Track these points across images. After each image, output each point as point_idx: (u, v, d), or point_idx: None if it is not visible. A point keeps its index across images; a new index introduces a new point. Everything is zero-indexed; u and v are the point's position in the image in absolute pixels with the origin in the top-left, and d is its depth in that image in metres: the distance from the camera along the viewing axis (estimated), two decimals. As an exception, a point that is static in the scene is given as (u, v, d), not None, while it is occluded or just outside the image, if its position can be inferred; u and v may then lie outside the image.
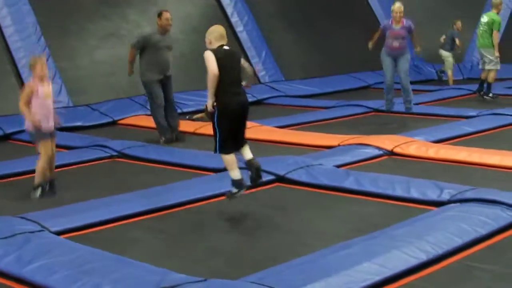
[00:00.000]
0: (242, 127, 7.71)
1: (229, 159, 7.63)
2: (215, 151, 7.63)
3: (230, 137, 7.56)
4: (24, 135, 12.43)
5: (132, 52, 12.02)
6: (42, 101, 8.58)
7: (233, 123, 7.56)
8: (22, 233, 6.59)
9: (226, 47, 7.69)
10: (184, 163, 10.03)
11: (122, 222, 7.45)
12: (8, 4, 14.83)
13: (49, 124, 8.69)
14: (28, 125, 8.73)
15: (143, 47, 11.93)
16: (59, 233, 6.88)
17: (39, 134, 8.68)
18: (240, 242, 6.92)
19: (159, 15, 12.09)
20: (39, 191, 8.65)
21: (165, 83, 12.02)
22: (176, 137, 11.97)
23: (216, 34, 7.75)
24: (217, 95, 7.42)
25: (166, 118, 11.95)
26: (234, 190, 7.67)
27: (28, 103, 8.53)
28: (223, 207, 7.98)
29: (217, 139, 7.54)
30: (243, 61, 7.87)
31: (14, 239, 6.45)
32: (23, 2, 15.08)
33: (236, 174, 7.61)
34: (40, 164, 8.72)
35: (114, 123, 14.15)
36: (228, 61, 7.54)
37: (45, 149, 8.73)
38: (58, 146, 11.48)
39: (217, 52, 7.52)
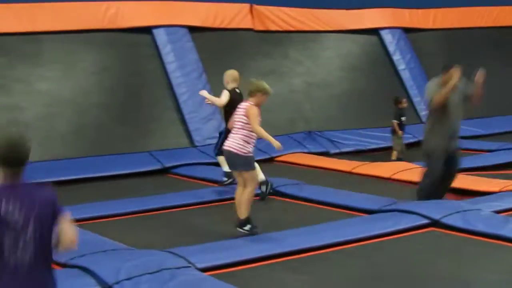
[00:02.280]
0: None
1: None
2: None
3: None
4: (182, 169, 12.71)
5: None
6: None
7: None
8: (168, 269, 6.60)
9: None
10: (337, 203, 9.87)
11: (268, 261, 7.34)
12: (171, 41, 15.25)
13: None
14: (249, 151, 8.42)
15: None
16: (204, 270, 6.85)
17: (253, 160, 8.49)
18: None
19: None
20: (248, 226, 8.25)
21: None
22: None
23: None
24: None
25: None
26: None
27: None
28: (372, 250, 7.74)
29: None
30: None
31: (161, 274, 6.47)
32: (187, 39, 15.47)
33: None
34: (251, 195, 8.34)
35: (271, 159, 14.16)
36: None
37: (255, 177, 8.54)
38: (212, 181, 11.74)
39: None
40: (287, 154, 14.33)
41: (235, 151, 8.29)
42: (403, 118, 14.53)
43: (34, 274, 4.41)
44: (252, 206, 9.00)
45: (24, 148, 4.48)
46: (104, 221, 9.29)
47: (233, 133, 8.42)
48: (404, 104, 14.83)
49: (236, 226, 8.29)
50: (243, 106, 8.47)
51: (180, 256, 7.00)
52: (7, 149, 4.41)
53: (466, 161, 13.30)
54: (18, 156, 4.43)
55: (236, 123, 8.46)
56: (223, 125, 14.67)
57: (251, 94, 8.60)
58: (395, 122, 14.39)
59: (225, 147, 8.44)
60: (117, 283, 6.35)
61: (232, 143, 8.35)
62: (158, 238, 8.37)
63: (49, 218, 4.46)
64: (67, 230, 4.52)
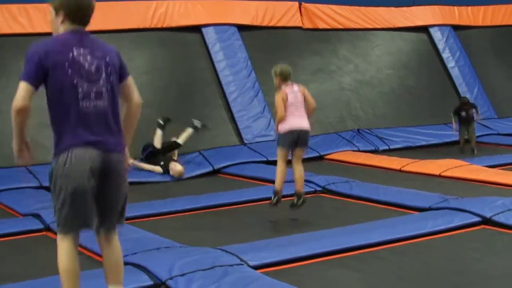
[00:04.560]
0: None
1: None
2: None
3: None
4: (232, 168, 12.79)
5: None
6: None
7: None
8: (221, 266, 6.66)
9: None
10: (387, 201, 9.86)
11: (320, 259, 7.36)
12: (221, 40, 15.35)
13: None
14: None
15: None
16: (257, 267, 6.90)
17: None
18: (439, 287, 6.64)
19: None
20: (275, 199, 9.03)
21: None
22: None
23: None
24: None
25: None
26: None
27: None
28: (424, 248, 7.73)
29: None
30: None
31: (213, 271, 6.53)
32: (235, 37, 15.56)
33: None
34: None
35: (321, 157, 14.18)
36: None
37: None
38: (263, 180, 11.80)
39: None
40: (336, 152, 14.34)
41: (309, 129, 8.81)
42: (462, 113, 14.60)
43: (104, 123, 4.43)
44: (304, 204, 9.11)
45: (90, 2, 4.57)
46: (155, 220, 9.39)
47: (299, 113, 8.66)
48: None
49: (301, 201, 8.97)
50: (296, 88, 8.82)
51: (233, 254, 7.05)
52: (70, 2, 4.48)
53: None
54: (82, 9, 4.52)
55: (295, 103, 8.60)
56: (273, 123, 14.82)
57: (289, 77, 8.95)
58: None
59: (303, 127, 8.65)
60: (170, 279, 6.42)
61: (307, 123, 8.79)
62: (210, 236, 8.43)
63: (117, 70, 4.51)
64: (134, 92, 4.59)
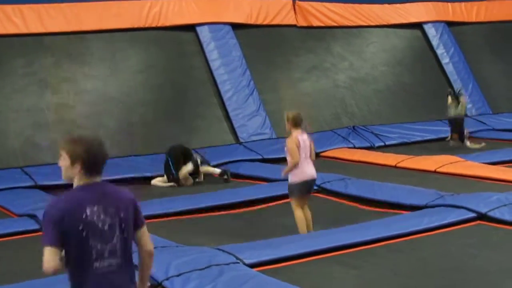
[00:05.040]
0: None
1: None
2: None
3: None
4: (227, 167, 12.76)
5: None
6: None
7: None
8: (218, 265, 6.66)
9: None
10: (383, 199, 9.85)
11: (317, 257, 7.37)
12: (215, 39, 15.35)
13: None
14: None
15: None
16: (253, 265, 6.90)
17: None
18: (436, 284, 6.64)
19: None
20: None
21: None
22: None
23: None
24: None
25: None
26: None
27: None
28: (420, 244, 7.74)
29: None
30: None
31: (209, 270, 6.53)
32: (230, 36, 15.55)
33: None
34: None
35: (316, 155, 14.09)
36: None
37: None
38: (258, 179, 11.80)
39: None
40: (332, 149, 14.35)
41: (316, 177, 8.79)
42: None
43: (120, 278, 4.37)
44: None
45: (105, 153, 4.46)
46: (153, 221, 9.35)
47: (308, 161, 8.64)
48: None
49: None
50: (305, 137, 8.66)
51: (229, 253, 7.06)
52: (90, 155, 4.39)
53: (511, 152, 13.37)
54: (101, 161, 4.42)
55: (305, 151, 8.60)
56: (268, 121, 14.80)
57: (301, 124, 8.71)
58: None
59: (314, 176, 8.70)
60: (167, 279, 6.42)
61: (315, 171, 8.72)
62: (207, 237, 8.44)
63: (132, 221, 4.43)
64: (149, 241, 4.51)
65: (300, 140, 8.53)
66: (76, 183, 4.37)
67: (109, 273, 4.28)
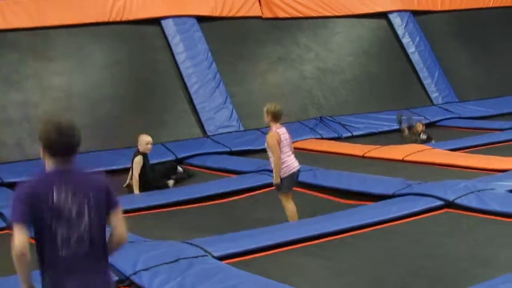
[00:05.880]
0: None
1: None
2: None
3: None
4: (196, 160, 12.71)
5: None
6: None
7: None
8: (186, 258, 6.62)
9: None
10: (352, 189, 9.86)
11: (286, 248, 7.34)
12: (180, 32, 15.27)
13: None
14: None
15: None
16: (221, 258, 6.87)
17: None
18: (406, 271, 6.65)
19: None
20: None
21: None
22: None
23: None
24: None
25: None
26: None
27: None
28: (389, 233, 7.75)
29: None
30: None
31: (178, 264, 6.49)
32: (195, 29, 15.49)
33: None
34: None
35: (284, 147, 14.11)
36: None
37: None
38: (227, 171, 11.75)
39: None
40: (300, 140, 14.31)
41: None
42: (424, 137, 14.19)
43: (89, 266, 4.25)
44: (268, 194, 9.07)
45: (74, 135, 4.34)
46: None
47: (291, 154, 8.60)
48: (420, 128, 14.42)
49: None
50: (284, 130, 8.67)
51: (197, 246, 7.03)
52: (57, 137, 4.26)
53: (480, 139, 13.43)
54: (68, 143, 4.29)
55: (288, 144, 8.61)
56: (235, 114, 14.75)
57: (280, 117, 8.73)
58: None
59: (298, 167, 8.65)
60: (134, 274, 6.39)
61: (297, 162, 8.68)
62: (175, 231, 8.38)
63: (104, 207, 4.30)
64: (120, 225, 4.38)
65: (281, 135, 8.49)
66: (46, 166, 4.27)
67: (76, 261, 4.17)
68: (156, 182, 11.06)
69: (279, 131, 8.50)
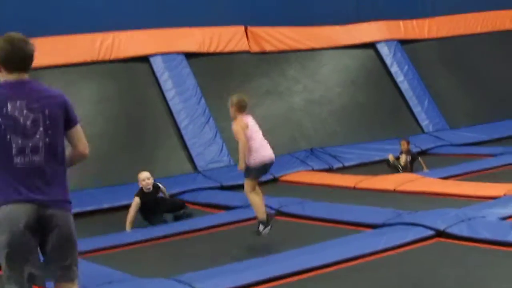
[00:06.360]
0: None
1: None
2: None
3: None
4: (187, 195, 12.66)
5: None
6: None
7: None
8: (175, 297, 6.59)
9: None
10: (341, 219, 9.84)
11: (276, 282, 7.30)
12: (169, 68, 15.32)
13: None
14: None
15: None
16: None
17: None
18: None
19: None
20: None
21: None
22: None
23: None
24: None
25: None
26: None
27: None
28: (379, 265, 7.72)
29: None
30: None
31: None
32: (183, 65, 15.54)
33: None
34: None
35: (275, 180, 14.09)
36: None
37: None
38: (217, 206, 11.71)
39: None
40: (290, 173, 14.30)
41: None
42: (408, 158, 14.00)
43: (45, 175, 4.31)
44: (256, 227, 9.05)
45: (26, 47, 4.44)
46: (109, 253, 9.26)
47: (265, 143, 8.69)
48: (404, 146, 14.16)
49: (264, 227, 8.80)
50: (252, 118, 8.83)
51: (185, 283, 6.98)
52: (9, 48, 4.35)
53: (472, 165, 13.43)
54: (20, 55, 4.38)
55: (258, 131, 8.67)
56: (226, 149, 14.75)
57: (246, 107, 8.86)
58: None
59: (272, 158, 8.73)
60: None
61: (272, 152, 8.78)
62: (164, 266, 8.34)
63: (61, 121, 4.38)
64: (80, 140, 4.47)
65: (249, 122, 8.54)
66: (1, 79, 4.39)
67: (30, 169, 4.25)
68: (160, 216, 11.05)
69: (246, 120, 8.57)
